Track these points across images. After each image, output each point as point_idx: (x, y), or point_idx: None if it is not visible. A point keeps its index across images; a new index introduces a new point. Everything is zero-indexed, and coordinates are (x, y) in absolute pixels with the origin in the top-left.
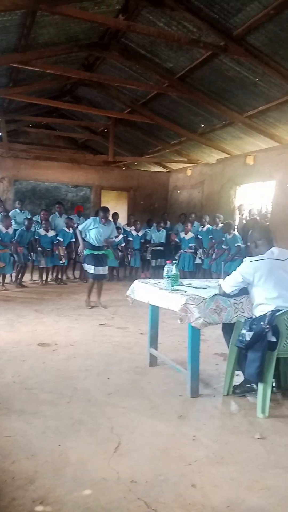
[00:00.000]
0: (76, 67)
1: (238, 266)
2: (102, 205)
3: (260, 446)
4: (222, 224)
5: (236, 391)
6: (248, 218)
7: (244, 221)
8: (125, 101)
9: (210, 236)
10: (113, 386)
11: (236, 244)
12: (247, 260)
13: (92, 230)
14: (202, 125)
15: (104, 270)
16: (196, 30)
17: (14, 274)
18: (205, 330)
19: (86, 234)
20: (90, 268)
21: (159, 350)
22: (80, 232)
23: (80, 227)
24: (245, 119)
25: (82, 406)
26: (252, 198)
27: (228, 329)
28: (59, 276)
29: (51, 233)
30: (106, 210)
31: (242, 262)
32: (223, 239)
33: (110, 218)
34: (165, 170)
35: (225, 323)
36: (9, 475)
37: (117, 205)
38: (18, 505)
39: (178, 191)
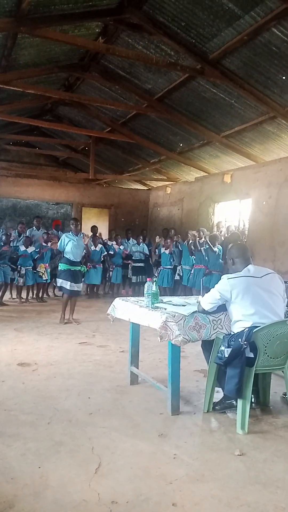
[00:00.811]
0: (57, 87)
1: (217, 282)
2: (82, 222)
3: (240, 463)
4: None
5: (216, 407)
6: (226, 235)
7: (222, 238)
8: (105, 120)
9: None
10: (94, 405)
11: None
12: (224, 277)
13: (68, 245)
14: (181, 144)
15: (78, 287)
16: (174, 53)
17: None
18: (186, 346)
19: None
20: (66, 284)
21: (140, 368)
22: (61, 252)
23: (59, 248)
24: (222, 138)
25: (62, 427)
26: (229, 215)
27: (208, 345)
28: (40, 294)
29: (31, 249)
30: (74, 221)
31: (220, 278)
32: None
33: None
34: (145, 188)
35: (205, 339)
36: None
37: (98, 222)
38: None
39: (158, 208)
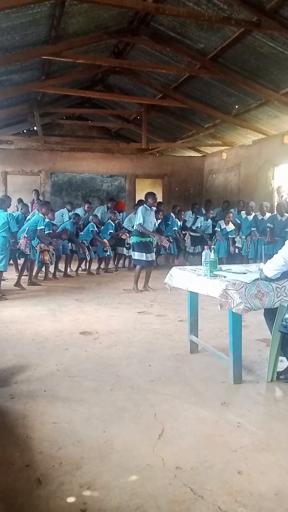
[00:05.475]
0: (107, 55)
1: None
2: (137, 194)
3: None
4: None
5: (281, 377)
6: (287, 200)
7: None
8: (157, 87)
9: (253, 228)
10: (155, 373)
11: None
12: None
13: (146, 218)
14: (236, 106)
15: (152, 257)
16: (227, 7)
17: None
18: (246, 315)
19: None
20: (141, 256)
21: (200, 337)
22: (141, 224)
23: (139, 221)
24: (281, 96)
25: (125, 393)
26: None
27: (271, 314)
28: (102, 267)
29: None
30: (154, 195)
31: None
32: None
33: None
34: (200, 155)
35: (267, 308)
36: (56, 461)
37: None
38: (66, 490)
39: (214, 175)
